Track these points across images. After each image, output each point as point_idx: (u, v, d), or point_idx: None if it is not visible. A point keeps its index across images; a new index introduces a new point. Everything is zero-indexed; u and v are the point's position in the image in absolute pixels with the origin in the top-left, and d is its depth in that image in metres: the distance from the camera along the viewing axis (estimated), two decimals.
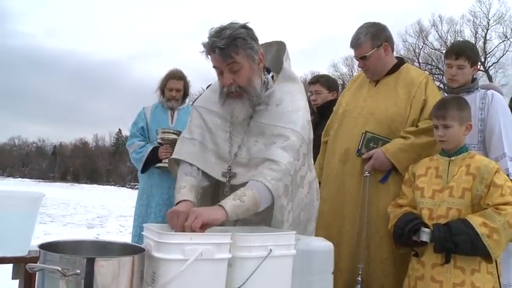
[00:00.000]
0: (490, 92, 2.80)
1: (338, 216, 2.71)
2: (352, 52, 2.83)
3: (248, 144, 2.00)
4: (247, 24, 1.93)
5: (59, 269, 1.35)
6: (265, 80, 2.05)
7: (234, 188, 1.87)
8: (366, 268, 2.58)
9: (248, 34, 1.92)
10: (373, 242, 2.62)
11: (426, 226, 2.25)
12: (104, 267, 1.42)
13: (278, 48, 2.21)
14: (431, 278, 2.22)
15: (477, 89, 2.85)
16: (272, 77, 2.12)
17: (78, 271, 1.37)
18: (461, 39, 29.29)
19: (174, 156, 2.10)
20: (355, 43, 2.75)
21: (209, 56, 1.93)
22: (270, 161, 1.87)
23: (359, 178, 2.65)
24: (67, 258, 1.39)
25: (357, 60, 2.81)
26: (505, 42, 29.10)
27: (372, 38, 2.72)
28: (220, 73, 1.95)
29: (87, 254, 1.55)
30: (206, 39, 1.92)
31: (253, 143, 1.99)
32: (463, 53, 2.80)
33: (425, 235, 2.22)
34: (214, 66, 1.95)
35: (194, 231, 1.63)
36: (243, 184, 1.86)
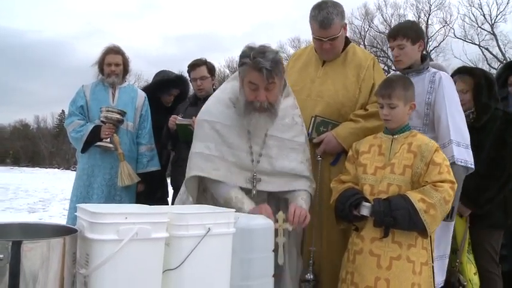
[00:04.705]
0: (438, 75, 2.76)
1: None
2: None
3: (268, 155, 2.33)
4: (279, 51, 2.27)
5: None
6: None
7: (260, 192, 2.29)
8: (319, 250, 2.61)
9: (281, 59, 2.24)
10: (326, 224, 2.64)
11: (367, 201, 2.29)
12: (32, 250, 1.34)
13: None
14: (369, 251, 2.27)
15: (427, 68, 2.82)
16: None
17: (1, 256, 1.28)
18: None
19: (199, 173, 2.26)
20: (329, 24, 2.62)
21: (249, 71, 2.18)
22: (300, 176, 2.39)
23: (312, 161, 2.66)
24: None
25: (322, 40, 2.69)
26: (445, 27, 30.21)
27: (341, 18, 2.67)
28: (256, 89, 2.19)
29: (14, 237, 1.46)
30: (246, 56, 2.19)
31: (273, 155, 2.34)
32: (399, 32, 2.79)
33: (365, 209, 2.27)
34: (250, 82, 2.19)
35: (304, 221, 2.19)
36: (268, 189, 2.34)
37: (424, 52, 2.98)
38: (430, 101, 2.72)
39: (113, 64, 3.65)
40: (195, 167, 2.27)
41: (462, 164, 2.60)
